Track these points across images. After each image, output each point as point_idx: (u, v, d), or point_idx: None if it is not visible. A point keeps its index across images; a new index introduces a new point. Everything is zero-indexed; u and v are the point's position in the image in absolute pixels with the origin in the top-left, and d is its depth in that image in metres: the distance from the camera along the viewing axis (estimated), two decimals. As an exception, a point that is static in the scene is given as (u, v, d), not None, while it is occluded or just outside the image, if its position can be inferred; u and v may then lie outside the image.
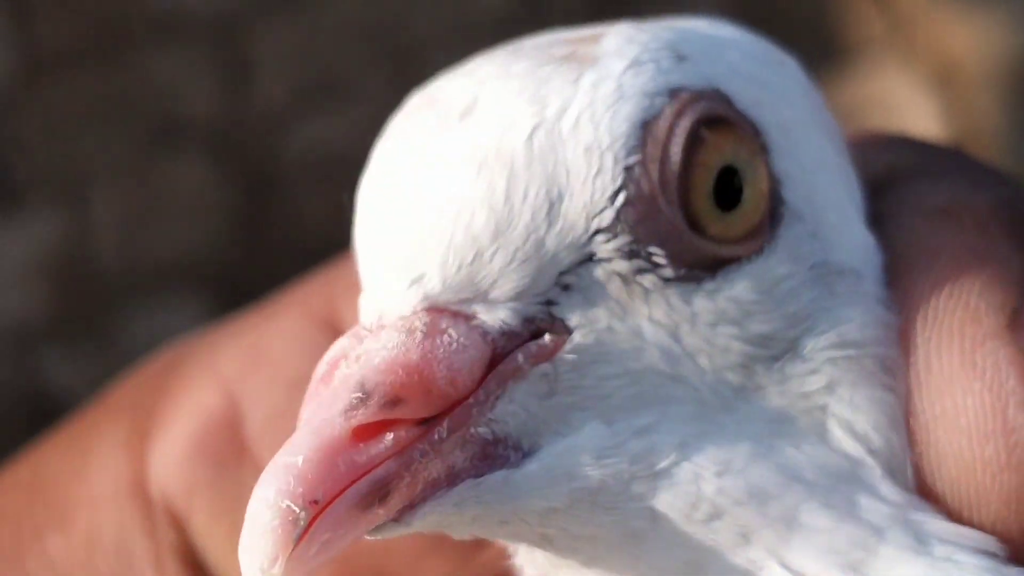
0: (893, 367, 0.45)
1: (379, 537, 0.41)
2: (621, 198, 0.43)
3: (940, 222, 0.46)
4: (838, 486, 0.44)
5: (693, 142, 0.43)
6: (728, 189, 0.44)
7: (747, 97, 0.45)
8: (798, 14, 2.11)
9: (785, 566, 0.43)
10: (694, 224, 0.43)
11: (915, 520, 0.44)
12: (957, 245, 0.46)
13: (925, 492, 0.44)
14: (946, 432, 0.44)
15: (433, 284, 0.43)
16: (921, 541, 0.43)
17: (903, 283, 0.46)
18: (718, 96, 0.44)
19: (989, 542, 0.44)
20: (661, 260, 0.43)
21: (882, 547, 0.43)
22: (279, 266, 1.88)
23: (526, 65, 0.45)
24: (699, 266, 0.43)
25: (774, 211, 0.44)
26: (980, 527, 0.44)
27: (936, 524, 0.44)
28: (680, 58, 0.45)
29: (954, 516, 0.44)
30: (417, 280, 0.43)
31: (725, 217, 0.43)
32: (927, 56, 2.08)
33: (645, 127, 0.43)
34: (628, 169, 0.43)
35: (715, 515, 0.43)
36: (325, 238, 1.89)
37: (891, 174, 0.50)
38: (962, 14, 2.09)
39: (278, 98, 2.01)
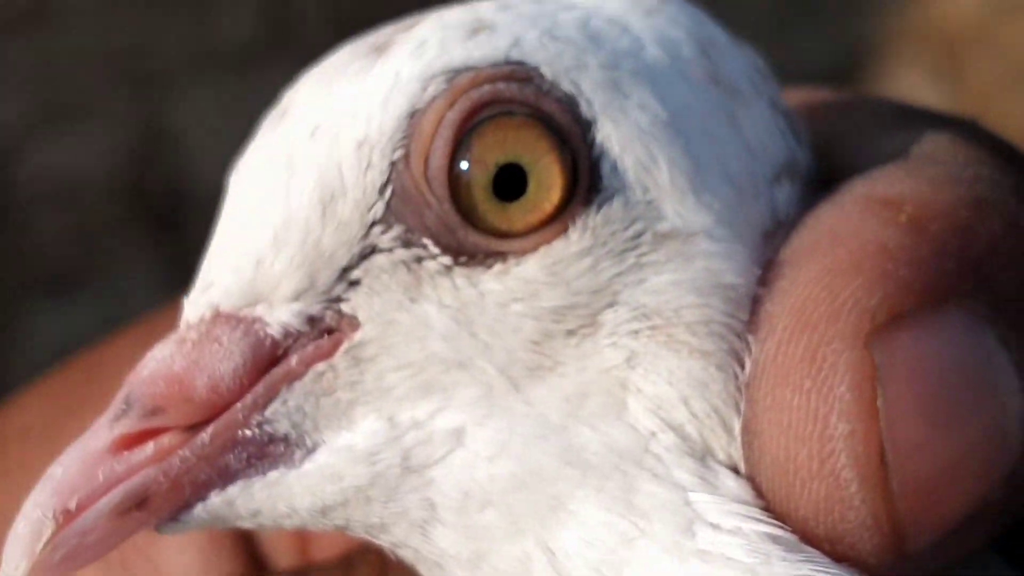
0: (727, 334, 0.43)
1: (166, 534, 0.43)
2: (389, 191, 0.42)
3: (871, 212, 0.43)
4: (621, 467, 0.42)
5: (461, 137, 0.42)
6: (513, 180, 0.42)
7: (562, 63, 0.43)
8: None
9: (550, 560, 0.43)
10: (468, 217, 0.42)
11: (696, 503, 0.42)
12: (869, 237, 0.42)
13: (751, 480, 0.43)
14: (769, 425, 0.42)
15: (218, 291, 0.43)
16: (687, 532, 0.42)
17: (790, 260, 0.43)
18: (515, 71, 0.43)
19: (778, 530, 0.42)
20: (435, 251, 0.42)
21: (641, 540, 0.42)
22: (12, 291, 1.83)
23: (340, 60, 0.44)
24: (478, 256, 0.42)
25: (591, 186, 0.42)
26: (790, 530, 0.42)
27: (720, 508, 0.42)
28: (474, 31, 0.43)
29: (771, 511, 0.42)
30: (207, 287, 0.44)
31: (507, 209, 0.42)
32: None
33: (412, 119, 0.42)
34: (393, 164, 0.42)
35: (486, 503, 0.43)
36: (62, 262, 1.85)
37: (864, 146, 0.47)
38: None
39: (12, 122, 1.96)
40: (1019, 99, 2.04)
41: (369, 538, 0.44)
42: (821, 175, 0.47)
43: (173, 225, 1.90)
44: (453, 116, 0.42)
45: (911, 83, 2.18)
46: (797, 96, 0.50)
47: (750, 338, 0.42)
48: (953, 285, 0.41)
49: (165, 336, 0.45)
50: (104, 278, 1.87)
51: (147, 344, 0.45)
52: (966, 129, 0.47)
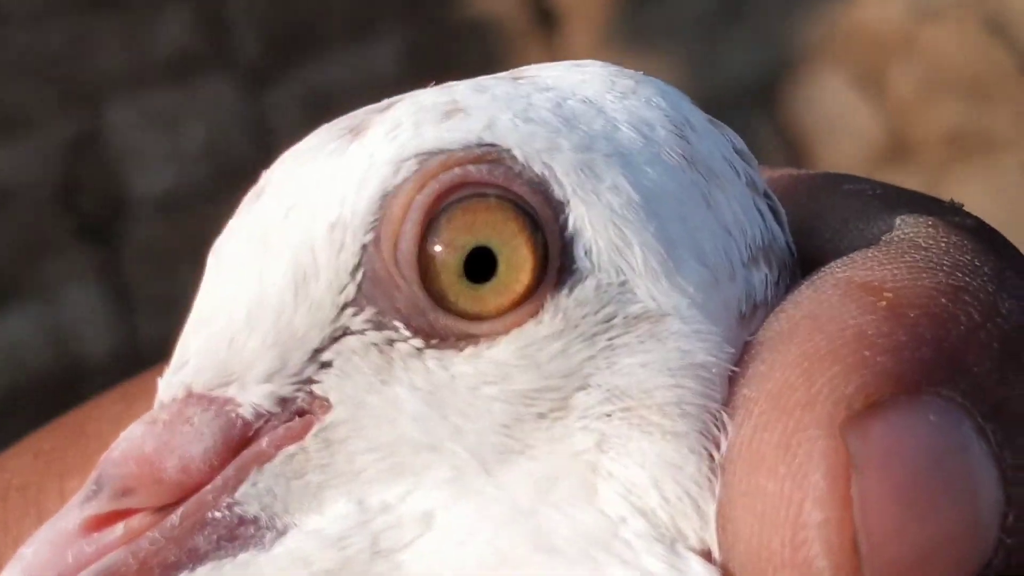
0: (701, 414, 0.42)
1: None
2: (360, 274, 0.42)
3: (849, 296, 0.42)
4: (590, 553, 0.42)
5: (430, 221, 0.42)
6: (484, 263, 0.42)
7: (535, 145, 0.43)
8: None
9: None
10: (439, 300, 0.42)
11: None
12: (848, 323, 0.41)
13: (723, 568, 0.42)
14: (743, 512, 0.41)
15: (190, 371, 0.43)
16: None
17: (768, 343, 0.42)
18: (486, 154, 0.42)
19: None
20: (406, 333, 0.42)
21: None
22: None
23: (316, 141, 0.45)
24: (449, 339, 0.42)
25: (562, 268, 0.42)
26: None
27: None
28: (448, 114, 0.43)
29: None
30: (180, 367, 0.44)
31: (478, 291, 0.42)
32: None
33: (383, 201, 0.42)
34: (365, 247, 0.42)
35: None
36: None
37: (845, 228, 0.46)
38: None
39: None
40: (940, 105, 2.07)
41: None
42: (802, 256, 0.46)
43: (107, 234, 1.90)
44: (422, 199, 0.42)
45: (835, 89, 2.19)
46: (779, 175, 0.50)
47: (725, 418, 0.42)
48: (930, 373, 0.40)
49: (150, 400, 0.44)
50: (38, 287, 1.87)
51: (136, 403, 0.44)
52: (948, 213, 0.46)
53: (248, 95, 1.98)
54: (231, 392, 0.43)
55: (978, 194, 2.01)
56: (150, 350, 1.66)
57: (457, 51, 2.19)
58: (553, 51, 2.13)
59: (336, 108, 0.49)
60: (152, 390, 0.45)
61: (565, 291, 0.42)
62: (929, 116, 2.06)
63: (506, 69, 0.48)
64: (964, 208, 0.48)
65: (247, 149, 1.93)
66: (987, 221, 0.47)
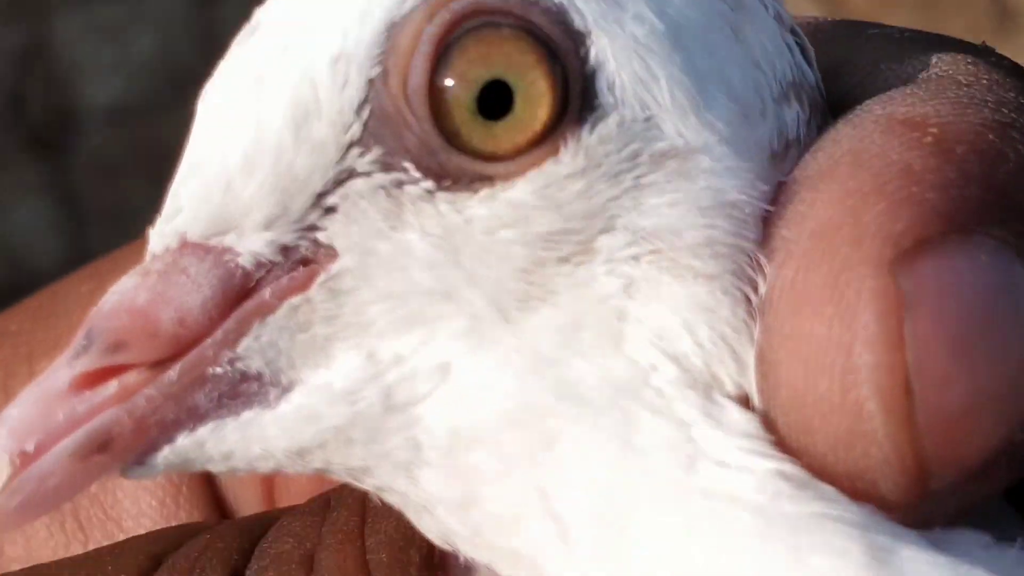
0: (736, 255, 0.40)
1: (133, 478, 0.41)
2: (367, 111, 0.40)
3: (892, 133, 0.40)
4: (619, 402, 0.39)
5: (441, 53, 0.39)
6: (500, 98, 0.39)
7: None
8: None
9: (544, 503, 0.40)
10: (451, 139, 0.39)
11: (699, 439, 0.39)
12: (893, 159, 0.39)
13: (764, 418, 0.40)
14: (787, 355, 0.39)
15: (185, 219, 0.41)
16: (689, 469, 0.39)
17: (807, 182, 0.40)
18: None
19: (788, 466, 0.39)
20: (416, 175, 0.40)
21: (640, 479, 0.39)
22: None
23: None
24: (463, 181, 0.40)
25: (584, 104, 0.40)
26: (807, 468, 0.39)
27: (725, 444, 0.39)
28: None
29: (784, 448, 0.39)
30: (173, 216, 0.41)
31: (493, 129, 0.39)
32: None
33: (389, 33, 0.40)
34: (371, 81, 0.40)
35: (475, 442, 0.40)
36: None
37: (877, 70, 0.44)
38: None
39: None
40: (896, 18, 2.07)
41: (353, 481, 0.42)
42: (831, 101, 0.44)
43: (54, 144, 1.88)
44: (432, 30, 0.39)
45: (792, 3, 2.19)
46: (800, 20, 0.47)
47: (762, 259, 0.40)
48: (981, 211, 0.39)
49: (128, 272, 0.41)
50: (-15, 200, 1.85)
51: (108, 281, 0.41)
52: (983, 54, 0.44)
53: (198, 6, 1.96)
54: (229, 241, 0.41)
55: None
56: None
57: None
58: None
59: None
60: (124, 267, 0.42)
61: (587, 128, 0.40)
62: (883, 26, 2.07)
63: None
64: (996, 50, 0.45)
65: (196, 60, 1.90)
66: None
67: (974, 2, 2.09)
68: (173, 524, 0.51)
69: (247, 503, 0.54)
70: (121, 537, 0.50)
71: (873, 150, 0.40)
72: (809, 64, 0.44)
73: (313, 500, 0.47)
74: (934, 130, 0.40)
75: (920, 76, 0.43)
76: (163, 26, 1.95)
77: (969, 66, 0.43)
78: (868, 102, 0.42)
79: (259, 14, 0.42)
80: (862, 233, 0.38)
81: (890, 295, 0.38)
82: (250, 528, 0.46)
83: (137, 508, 0.52)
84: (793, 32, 0.44)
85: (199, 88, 0.43)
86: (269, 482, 0.53)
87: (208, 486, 0.53)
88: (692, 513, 0.39)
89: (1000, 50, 0.46)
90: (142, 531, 0.51)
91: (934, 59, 0.44)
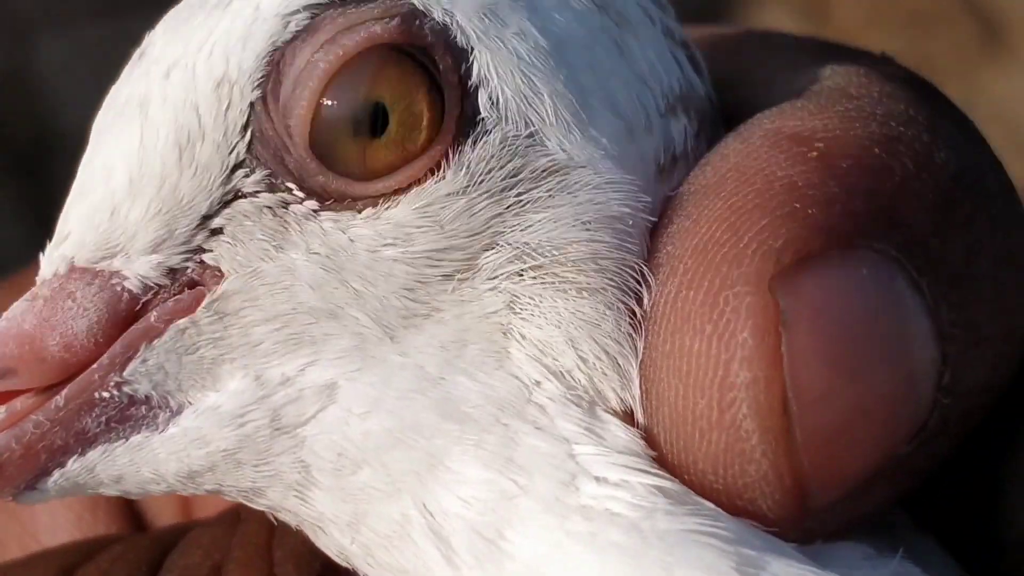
0: (619, 268, 0.40)
1: (24, 503, 0.41)
2: (249, 133, 0.40)
3: (779, 148, 0.40)
4: (502, 420, 0.40)
5: (319, 76, 0.40)
6: (378, 119, 0.40)
7: None
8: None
9: (428, 521, 0.40)
10: (328, 161, 0.40)
11: (580, 455, 0.40)
12: (778, 174, 0.39)
13: (648, 434, 0.40)
14: (667, 373, 0.39)
15: (73, 244, 0.41)
16: (569, 487, 0.39)
17: (692, 197, 0.40)
18: (384, 8, 0.40)
19: (666, 483, 0.39)
20: (300, 194, 0.40)
21: (522, 498, 0.39)
22: None
23: None
24: (345, 200, 0.40)
25: (464, 120, 0.40)
26: (689, 484, 0.39)
27: (605, 461, 0.39)
28: None
29: (665, 465, 0.40)
30: (62, 240, 0.42)
31: (368, 149, 0.40)
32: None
33: (271, 57, 0.40)
34: (253, 104, 0.40)
35: (361, 462, 0.40)
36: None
37: (772, 80, 0.44)
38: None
39: None
40: (882, 36, 2.06)
41: (246, 502, 0.42)
42: (726, 111, 0.45)
43: (37, 173, 1.88)
44: (311, 53, 0.40)
45: (776, 20, 2.19)
46: (701, 33, 0.48)
47: (646, 272, 0.40)
48: (863, 226, 0.39)
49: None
50: (-34, 224, 1.85)
51: (5, 307, 0.42)
52: (879, 64, 0.44)
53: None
54: (116, 264, 0.41)
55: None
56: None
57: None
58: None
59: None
60: (25, 287, 0.42)
61: (468, 145, 0.40)
62: (872, 47, 2.06)
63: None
64: (895, 59, 0.45)
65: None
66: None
67: (960, 20, 2.09)
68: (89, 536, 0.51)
69: (164, 516, 0.54)
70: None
71: (759, 166, 0.39)
72: (700, 75, 0.44)
73: (224, 513, 0.47)
74: (820, 145, 0.40)
75: (813, 88, 0.43)
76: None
77: (861, 78, 0.43)
78: (759, 115, 0.42)
79: (147, 38, 0.43)
80: (743, 250, 0.38)
81: (768, 312, 0.38)
82: (162, 540, 0.47)
83: (54, 522, 0.53)
84: (683, 45, 0.44)
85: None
86: (185, 497, 0.52)
87: (126, 500, 0.53)
88: (569, 531, 0.39)
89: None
90: None
91: (828, 71, 0.43)
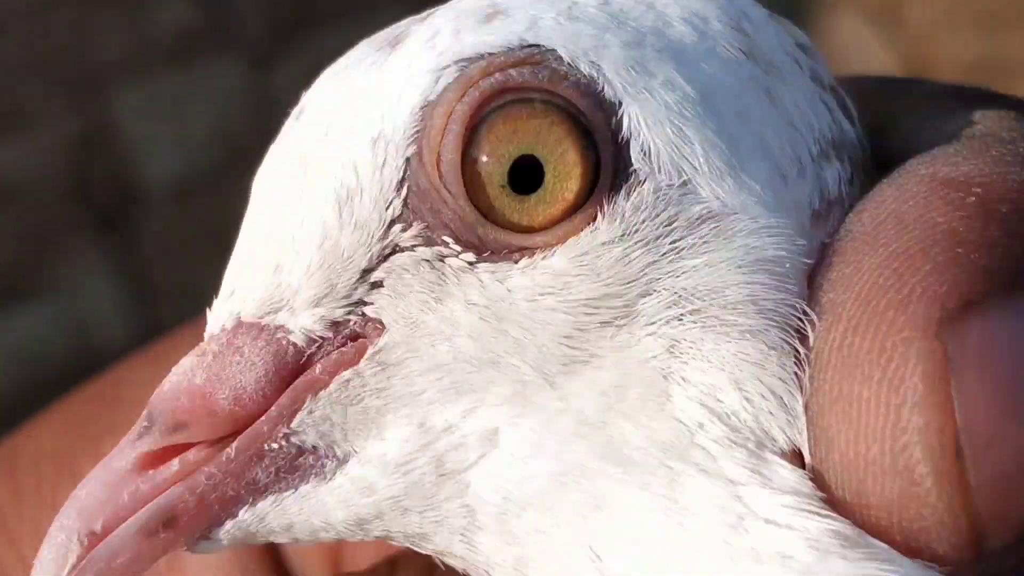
0: (779, 308, 0.40)
1: (198, 552, 0.42)
2: (405, 189, 0.41)
3: (935, 194, 0.40)
4: (665, 463, 0.40)
5: (472, 131, 0.40)
6: (532, 172, 0.40)
7: (581, 44, 0.41)
8: None
9: (595, 564, 0.40)
10: (486, 213, 0.40)
11: (747, 497, 0.40)
12: (937, 221, 0.39)
13: (816, 476, 0.40)
14: (836, 420, 0.39)
15: (239, 299, 0.42)
16: (737, 529, 0.39)
17: (852, 244, 0.40)
18: (528, 56, 0.40)
19: (838, 525, 0.39)
20: (456, 248, 0.41)
21: (689, 540, 0.39)
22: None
23: (355, 56, 0.43)
24: (502, 252, 0.41)
25: (618, 171, 0.40)
26: (860, 527, 0.39)
27: (773, 502, 0.39)
28: (489, 17, 0.41)
29: (836, 507, 0.39)
30: (228, 296, 0.43)
31: (526, 203, 0.40)
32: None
33: (423, 112, 0.41)
34: (408, 160, 0.41)
35: (526, 506, 0.41)
36: (10, 268, 1.84)
37: (922, 126, 0.44)
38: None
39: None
40: (954, 38, 2.05)
41: (412, 547, 0.43)
42: (876, 158, 0.45)
43: (121, 221, 1.89)
44: (462, 108, 0.40)
45: (851, 26, 2.18)
46: (845, 78, 0.48)
47: (808, 310, 0.40)
48: None
49: (185, 353, 0.43)
50: (55, 279, 1.86)
51: (167, 363, 0.43)
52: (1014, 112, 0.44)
53: (254, 74, 1.97)
54: (281, 319, 0.42)
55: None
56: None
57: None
58: None
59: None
60: (182, 346, 0.44)
61: (622, 195, 0.40)
62: (945, 48, 2.05)
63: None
64: None
65: (255, 130, 1.92)
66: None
67: (1036, 18, 2.07)
68: None
69: (313, 570, 0.54)
70: None
71: (917, 212, 0.40)
72: (851, 120, 0.44)
73: (378, 565, 0.48)
74: (977, 190, 0.40)
75: (963, 133, 0.43)
76: (220, 98, 1.96)
77: (1012, 122, 0.43)
78: (911, 161, 0.42)
79: (304, 98, 0.44)
80: (908, 296, 0.38)
81: (937, 357, 0.38)
82: None
83: None
84: (832, 90, 0.44)
85: (258, 159, 0.44)
86: (334, 553, 0.54)
87: (274, 561, 0.54)
88: (741, 573, 0.39)
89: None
90: None
91: (977, 116, 0.44)
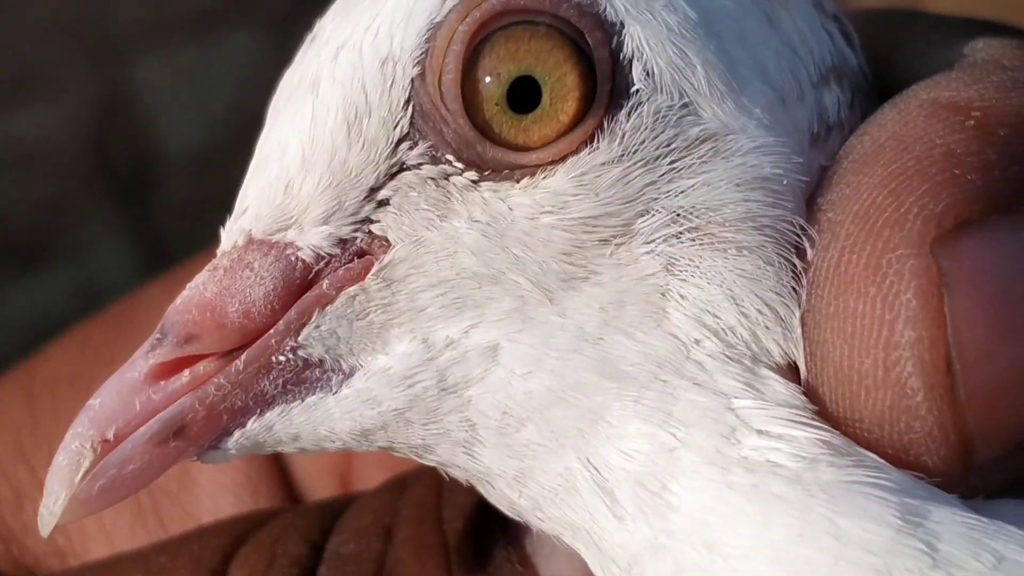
0: (777, 225, 0.41)
1: (208, 462, 0.43)
2: (411, 108, 0.42)
3: (936, 116, 0.41)
4: (660, 377, 0.41)
5: (473, 51, 0.41)
6: (531, 92, 0.41)
7: None
8: None
9: (592, 475, 0.41)
10: (484, 132, 0.42)
11: (740, 409, 0.41)
12: (936, 143, 0.40)
13: (810, 390, 0.41)
14: (832, 334, 0.40)
15: (249, 218, 0.43)
16: (729, 440, 0.40)
17: (851, 165, 0.41)
18: None
19: (828, 435, 0.40)
20: (459, 166, 0.42)
21: (682, 451, 0.40)
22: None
23: None
24: (503, 171, 0.42)
25: (619, 92, 0.41)
26: (852, 439, 0.40)
27: (765, 414, 0.41)
28: None
29: (828, 420, 0.41)
30: (240, 214, 0.44)
31: (523, 122, 0.41)
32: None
33: (429, 34, 0.42)
34: (413, 80, 0.42)
35: (525, 420, 0.42)
36: (28, 233, 1.84)
37: (926, 54, 0.45)
38: None
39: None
40: (978, 10, 2.04)
41: (416, 458, 0.44)
42: (880, 85, 0.46)
43: (139, 190, 1.90)
44: (465, 28, 0.41)
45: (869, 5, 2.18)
46: (851, 11, 0.49)
47: (807, 227, 0.41)
48: (1021, 191, 0.40)
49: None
50: (71, 246, 1.87)
51: (182, 288, 0.44)
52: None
53: (274, 46, 1.97)
54: (290, 236, 0.43)
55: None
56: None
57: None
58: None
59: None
60: (195, 274, 0.45)
61: (622, 116, 0.41)
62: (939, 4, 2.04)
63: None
64: None
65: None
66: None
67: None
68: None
69: (321, 489, 0.56)
70: None
71: (917, 134, 0.41)
72: (852, 48, 0.45)
73: (390, 480, 0.50)
74: (977, 113, 0.41)
75: (966, 60, 0.44)
76: (241, 69, 1.96)
77: (1014, 49, 0.44)
78: (914, 86, 0.43)
79: (317, 24, 0.45)
80: (904, 215, 0.39)
81: (931, 273, 0.39)
82: (330, 507, 0.49)
83: (216, 506, 0.55)
84: (835, 18, 0.45)
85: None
86: (343, 474, 0.56)
87: (284, 481, 0.55)
88: (731, 483, 0.40)
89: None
90: None
91: (980, 43, 0.45)
